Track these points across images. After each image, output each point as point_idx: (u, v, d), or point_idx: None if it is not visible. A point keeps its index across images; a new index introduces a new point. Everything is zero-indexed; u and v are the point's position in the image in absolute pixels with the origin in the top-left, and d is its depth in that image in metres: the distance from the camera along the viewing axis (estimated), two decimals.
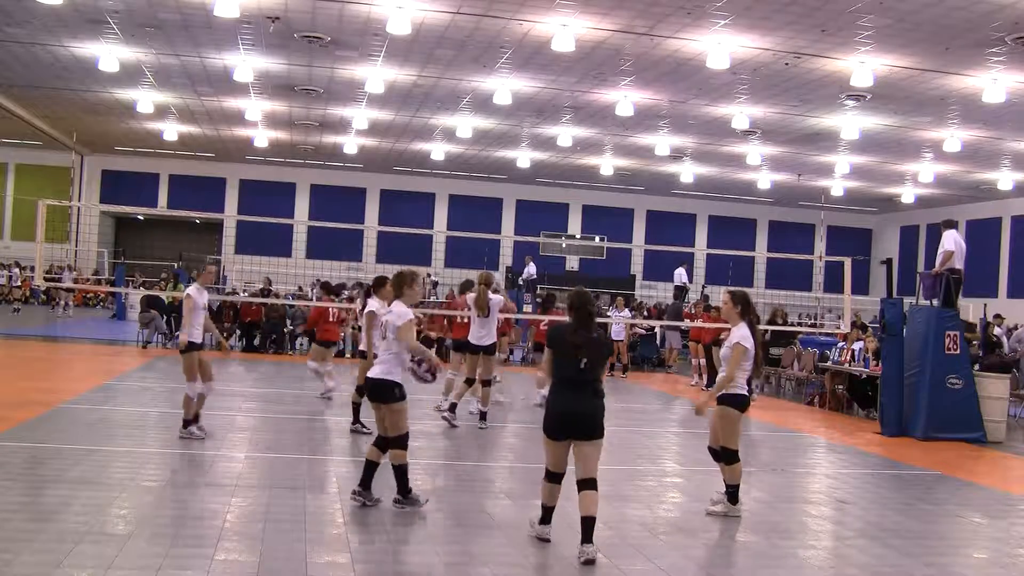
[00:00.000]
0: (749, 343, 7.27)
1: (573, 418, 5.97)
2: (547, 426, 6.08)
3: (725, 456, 7.34)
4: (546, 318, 15.51)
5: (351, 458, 9.06)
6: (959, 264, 13.41)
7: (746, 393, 7.42)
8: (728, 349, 7.37)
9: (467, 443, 10.58)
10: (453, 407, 11.26)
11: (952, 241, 13.38)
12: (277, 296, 23.30)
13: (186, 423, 9.39)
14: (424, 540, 6.21)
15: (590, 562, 5.73)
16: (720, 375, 7.51)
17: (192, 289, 9.56)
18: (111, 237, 39.17)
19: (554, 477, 6.12)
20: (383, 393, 6.76)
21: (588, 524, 5.84)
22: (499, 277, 33.24)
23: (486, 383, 11.32)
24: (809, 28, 15.67)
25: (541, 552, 6.08)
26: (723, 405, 7.36)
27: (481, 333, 11.37)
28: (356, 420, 10.37)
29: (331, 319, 14.07)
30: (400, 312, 6.89)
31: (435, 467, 9.27)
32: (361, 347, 10.45)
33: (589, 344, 6.01)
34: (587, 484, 5.94)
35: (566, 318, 6.37)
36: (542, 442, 6.16)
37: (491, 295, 11.41)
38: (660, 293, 28.47)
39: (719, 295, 9.00)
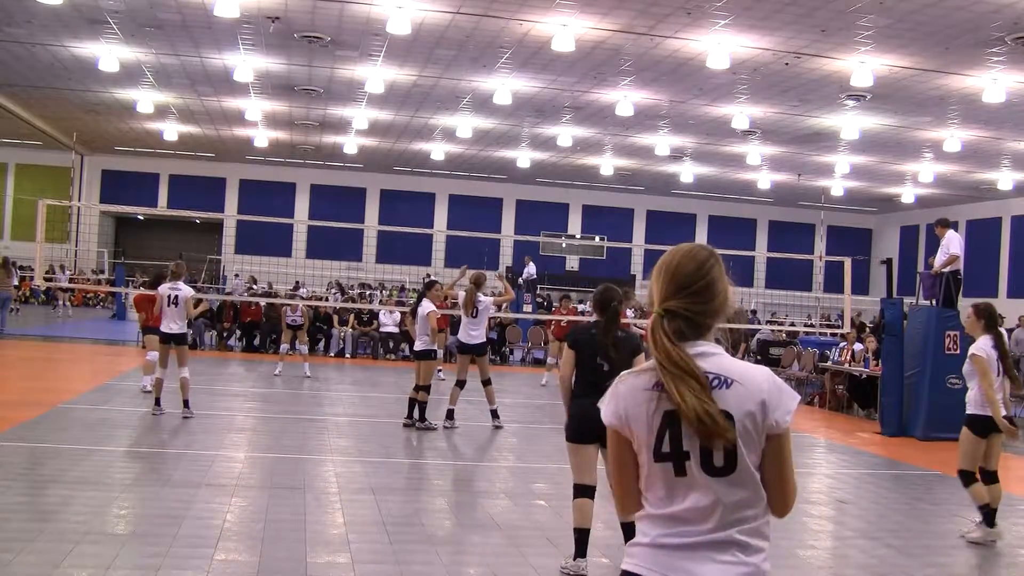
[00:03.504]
0: (984, 354, 6.92)
1: (598, 423, 5.65)
2: (571, 431, 5.70)
3: (960, 477, 7.05)
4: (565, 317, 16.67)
5: (351, 458, 9.07)
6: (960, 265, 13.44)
7: (987, 414, 6.88)
8: (968, 364, 7.04)
9: (467, 443, 10.58)
10: (450, 413, 11.25)
11: (959, 243, 13.38)
12: (276, 296, 23.27)
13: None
14: (424, 540, 6.21)
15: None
16: (972, 392, 7.04)
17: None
18: (111, 237, 39.17)
19: (585, 491, 5.66)
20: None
21: (630, 529, 5.70)
22: None
23: (486, 383, 11.32)
24: (809, 28, 15.66)
25: (542, 552, 6.07)
26: (965, 425, 7.03)
27: (471, 333, 11.28)
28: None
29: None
30: None
31: (435, 467, 9.28)
32: (416, 347, 11.36)
33: (616, 345, 5.77)
34: None
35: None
36: (567, 452, 5.78)
37: (481, 297, 11.40)
38: None
39: None
